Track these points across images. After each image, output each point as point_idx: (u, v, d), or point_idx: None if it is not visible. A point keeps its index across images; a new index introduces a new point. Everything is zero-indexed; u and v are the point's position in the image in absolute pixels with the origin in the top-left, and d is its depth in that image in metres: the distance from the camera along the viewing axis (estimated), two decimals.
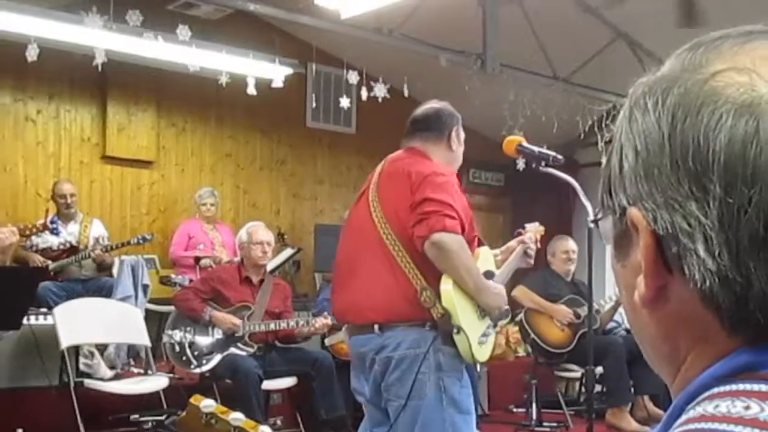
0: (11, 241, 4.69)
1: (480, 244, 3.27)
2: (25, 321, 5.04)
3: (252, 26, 7.48)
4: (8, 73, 7.13)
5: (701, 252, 0.57)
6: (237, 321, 5.49)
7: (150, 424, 5.23)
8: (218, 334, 5.53)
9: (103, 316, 5.57)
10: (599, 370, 6.28)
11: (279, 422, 5.99)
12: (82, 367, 5.45)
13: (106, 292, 6.39)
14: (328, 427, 5.50)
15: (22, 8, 5.63)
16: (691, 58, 0.62)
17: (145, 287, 6.41)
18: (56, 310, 5.22)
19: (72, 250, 6.51)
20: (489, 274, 3.18)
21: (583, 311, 6.35)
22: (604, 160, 0.69)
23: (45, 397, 5.18)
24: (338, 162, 8.77)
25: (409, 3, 5.89)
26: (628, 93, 0.67)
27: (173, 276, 6.66)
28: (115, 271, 6.64)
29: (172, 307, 5.86)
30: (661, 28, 7.05)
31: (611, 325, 6.74)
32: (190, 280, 6.45)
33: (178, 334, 5.50)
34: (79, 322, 5.28)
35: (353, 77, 6.69)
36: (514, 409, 7.14)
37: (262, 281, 5.74)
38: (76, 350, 5.38)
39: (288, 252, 7.88)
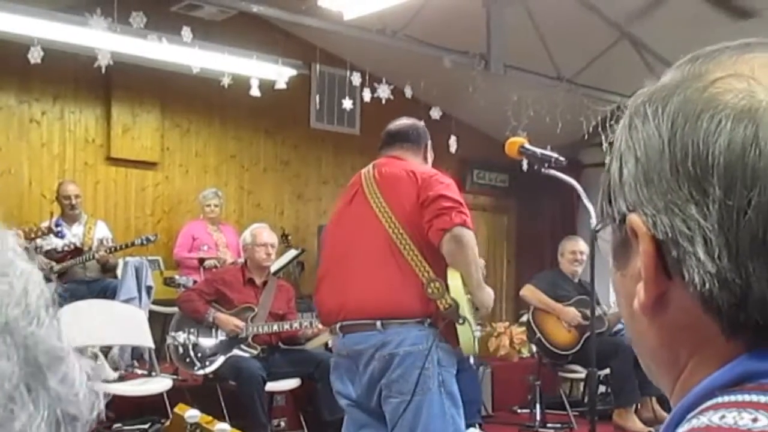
0: None
1: None
2: None
3: (255, 27, 7.48)
4: (13, 74, 7.14)
5: (701, 254, 0.58)
6: (240, 323, 5.50)
7: None
8: (222, 336, 5.53)
9: (106, 317, 5.57)
10: (605, 371, 6.28)
11: (282, 423, 6.00)
12: None
13: (110, 293, 6.40)
14: (332, 428, 5.50)
15: (26, 10, 5.64)
16: (690, 69, 0.63)
17: (149, 289, 6.43)
18: (60, 312, 5.20)
19: (76, 251, 6.52)
20: None
21: (601, 309, 6.37)
22: (605, 169, 0.69)
23: None
24: (342, 163, 8.76)
25: (413, 4, 5.88)
26: (629, 102, 0.68)
27: (177, 277, 6.67)
28: (119, 272, 6.65)
29: (175, 309, 5.87)
30: (666, 29, 7.05)
31: (618, 326, 6.74)
32: (194, 282, 6.45)
33: (181, 336, 5.51)
34: (82, 324, 5.28)
35: (356, 79, 6.69)
36: (519, 411, 7.13)
37: (265, 283, 5.75)
38: (80, 352, 5.37)
39: (292, 253, 7.89)
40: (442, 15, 6.33)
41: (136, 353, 6.38)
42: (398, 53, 6.71)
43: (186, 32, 5.67)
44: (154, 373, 5.58)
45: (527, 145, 3.34)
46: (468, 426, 4.53)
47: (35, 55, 5.41)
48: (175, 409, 1.47)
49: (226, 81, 6.32)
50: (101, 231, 6.87)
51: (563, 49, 7.14)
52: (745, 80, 0.59)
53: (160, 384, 5.27)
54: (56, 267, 6.44)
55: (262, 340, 5.57)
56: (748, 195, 0.56)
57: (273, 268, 6.25)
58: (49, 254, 6.46)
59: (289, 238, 8.31)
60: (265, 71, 6.70)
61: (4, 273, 0.51)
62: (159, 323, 6.67)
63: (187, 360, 5.49)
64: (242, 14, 6.18)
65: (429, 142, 3.54)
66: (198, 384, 5.71)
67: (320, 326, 5.51)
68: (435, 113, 7.15)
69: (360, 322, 3.14)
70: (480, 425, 6.17)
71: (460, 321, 3.07)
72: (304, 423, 5.99)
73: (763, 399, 0.56)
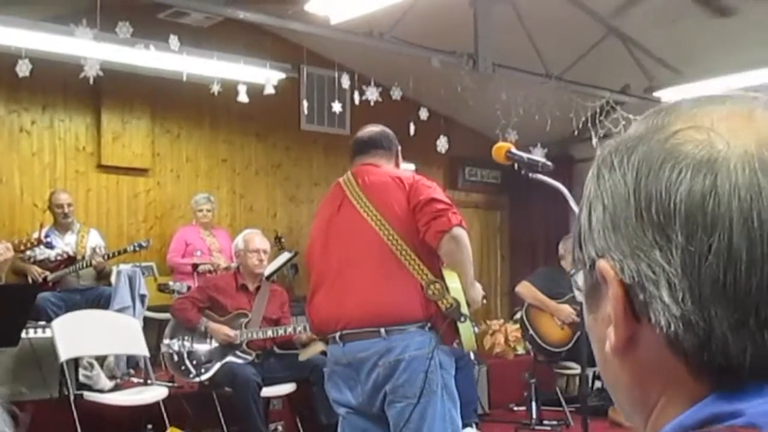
0: (5, 257, 4.71)
1: None
2: (24, 334, 5.06)
3: (243, 31, 7.48)
4: (1, 84, 7.13)
5: (666, 298, 0.60)
6: (231, 332, 5.51)
7: None
8: (216, 343, 5.54)
9: (101, 327, 5.58)
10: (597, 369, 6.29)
11: (280, 428, 6.00)
12: (81, 378, 5.46)
13: (104, 301, 6.41)
14: None
15: (12, 21, 5.63)
16: (653, 121, 0.65)
17: (143, 297, 6.43)
18: (54, 323, 5.23)
19: (69, 260, 6.53)
20: None
21: None
22: (575, 217, 0.71)
23: (45, 410, 5.19)
24: (334, 164, 8.74)
25: (400, 6, 5.88)
26: (597, 152, 0.69)
27: (171, 283, 6.67)
28: (112, 280, 6.65)
29: (170, 315, 5.88)
30: (653, 24, 7.07)
31: None
32: (188, 287, 6.45)
33: (176, 344, 5.52)
34: (77, 335, 5.29)
35: (345, 81, 6.69)
36: (515, 408, 7.15)
37: (258, 288, 5.75)
38: (75, 362, 5.39)
39: (285, 256, 7.90)
40: (429, 16, 6.33)
41: (132, 361, 6.39)
42: (386, 54, 6.72)
43: (173, 41, 5.66)
44: (150, 382, 5.59)
45: (514, 150, 3.34)
46: (465, 426, 4.56)
47: (23, 69, 5.39)
48: None
49: (215, 89, 6.31)
50: (94, 239, 6.88)
51: (551, 46, 7.15)
52: (705, 132, 0.61)
53: (156, 392, 5.27)
54: (50, 276, 6.44)
55: (256, 345, 5.58)
56: (708, 241, 0.58)
57: (266, 272, 6.24)
58: (43, 263, 6.47)
59: (283, 240, 8.32)
60: (253, 75, 6.70)
61: None
62: (154, 330, 6.68)
63: (182, 368, 5.50)
64: (229, 19, 6.17)
65: (399, 148, 3.59)
66: (194, 391, 5.72)
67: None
68: (424, 113, 7.16)
69: (362, 330, 3.18)
70: (477, 424, 6.20)
71: (462, 319, 3.16)
72: (300, 427, 6.00)
73: None
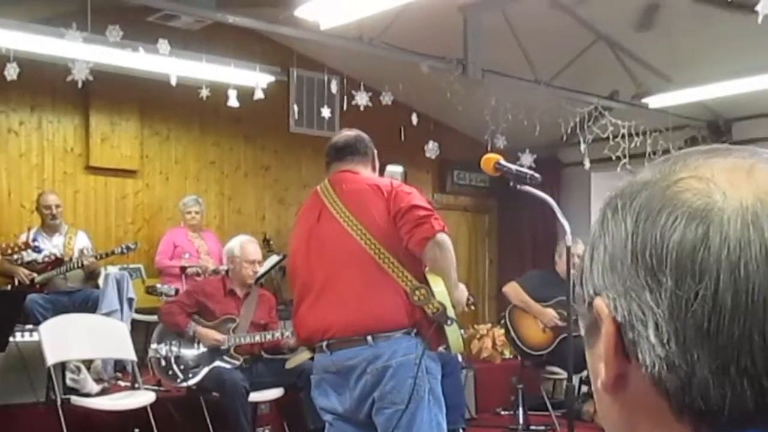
0: None
1: None
2: (11, 338, 5.05)
3: (233, 35, 7.47)
4: None
5: (652, 338, 0.62)
6: (220, 337, 5.50)
7: None
8: (204, 348, 5.54)
9: (88, 331, 5.57)
10: (584, 373, 6.31)
11: None
12: (68, 382, 5.44)
13: (92, 303, 6.40)
14: None
15: (1, 22, 5.60)
16: (661, 168, 0.67)
17: (131, 301, 6.42)
18: (42, 327, 5.21)
19: (57, 262, 6.52)
20: None
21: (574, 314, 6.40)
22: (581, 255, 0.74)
23: (32, 414, 5.18)
24: (323, 167, 8.65)
25: (390, 11, 5.88)
26: (606, 196, 0.71)
27: (159, 286, 6.65)
28: (100, 283, 6.64)
29: (157, 318, 5.87)
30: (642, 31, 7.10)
31: None
32: (177, 290, 6.44)
33: (163, 349, 5.51)
34: (64, 339, 5.28)
35: (335, 86, 6.70)
36: (502, 413, 7.17)
37: (248, 294, 5.75)
38: (62, 365, 5.38)
39: (274, 258, 7.89)
40: (419, 21, 6.34)
41: (119, 364, 6.38)
42: (376, 59, 6.73)
43: (162, 45, 5.65)
44: (137, 386, 5.58)
45: (503, 162, 3.38)
46: (452, 431, 4.58)
47: (11, 72, 5.37)
48: None
49: (204, 93, 6.31)
50: (82, 241, 6.87)
51: (540, 52, 7.17)
52: (705, 182, 0.63)
53: (143, 397, 5.27)
54: (37, 278, 6.43)
55: (244, 350, 5.58)
56: (696, 287, 0.60)
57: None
58: (30, 265, 6.45)
59: (271, 243, 8.31)
60: (243, 78, 6.69)
61: None
62: (142, 332, 6.67)
63: (170, 372, 5.50)
64: (219, 23, 6.17)
65: (375, 152, 3.57)
66: (181, 396, 5.71)
67: None
68: (414, 117, 7.17)
69: (349, 338, 3.20)
70: (464, 429, 6.22)
71: (449, 323, 3.17)
72: (288, 431, 6.01)
73: None
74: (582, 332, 0.73)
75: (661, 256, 0.62)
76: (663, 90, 7.64)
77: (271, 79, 6.89)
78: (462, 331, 3.35)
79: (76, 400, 5.16)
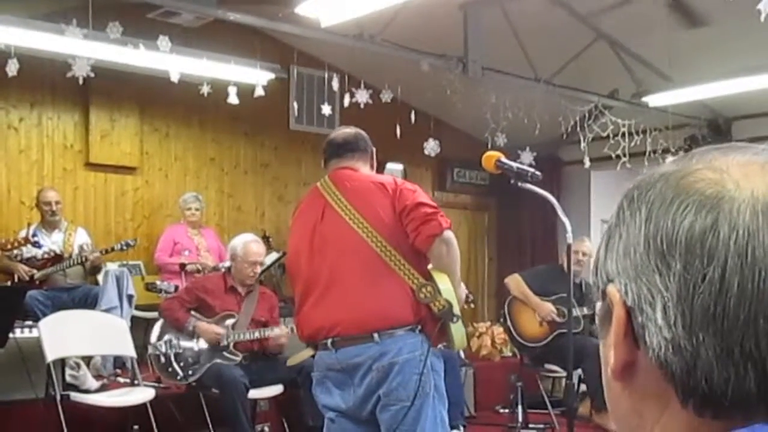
0: None
1: None
2: (10, 334, 5.05)
3: (233, 32, 7.46)
4: None
5: (659, 320, 0.64)
6: (220, 331, 5.50)
7: None
8: (203, 344, 5.54)
9: (88, 328, 5.57)
10: (578, 371, 6.33)
11: (266, 429, 6.01)
12: (68, 378, 5.45)
13: (91, 300, 6.40)
14: None
15: (1, 18, 5.59)
16: (679, 162, 0.70)
17: (130, 297, 6.42)
18: (41, 323, 5.21)
19: (57, 258, 6.51)
20: None
21: (577, 312, 6.41)
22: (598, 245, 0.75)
23: (32, 410, 5.19)
24: (322, 164, 8.74)
25: (390, 9, 5.88)
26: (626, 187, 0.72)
27: (159, 282, 6.66)
28: (100, 279, 6.64)
29: (157, 314, 5.87)
30: (642, 28, 7.09)
31: None
32: (176, 287, 6.44)
33: (163, 346, 5.51)
34: (64, 335, 5.28)
35: (335, 83, 6.70)
36: (501, 410, 7.18)
37: (249, 291, 5.74)
38: (62, 362, 5.38)
39: (273, 256, 7.88)
40: (419, 19, 6.34)
41: (119, 361, 6.38)
42: (376, 56, 6.73)
43: (162, 42, 5.64)
44: (136, 382, 5.58)
45: (504, 159, 3.37)
46: (452, 428, 4.58)
47: (12, 68, 5.37)
48: None
49: (205, 90, 6.30)
50: (81, 237, 6.86)
51: (540, 50, 7.17)
52: (719, 173, 0.65)
53: (143, 394, 5.27)
54: (37, 274, 6.42)
55: (244, 347, 5.58)
56: (703, 270, 0.62)
57: None
58: (30, 262, 6.45)
59: (270, 240, 8.31)
60: (243, 75, 6.69)
61: None
62: (141, 329, 6.67)
63: (170, 369, 5.50)
64: (219, 20, 6.17)
65: (374, 149, 3.57)
66: (181, 392, 5.72)
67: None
68: (413, 115, 7.17)
69: (355, 336, 3.20)
70: (464, 426, 6.23)
71: (454, 320, 3.19)
72: (287, 428, 6.02)
73: None
74: (597, 322, 0.75)
75: (671, 241, 0.64)
76: (663, 89, 7.63)
77: (272, 76, 6.89)
78: (465, 329, 3.37)
79: (75, 396, 5.17)
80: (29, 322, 5.52)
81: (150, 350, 5.59)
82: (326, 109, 6.98)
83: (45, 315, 5.60)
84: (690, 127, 8.75)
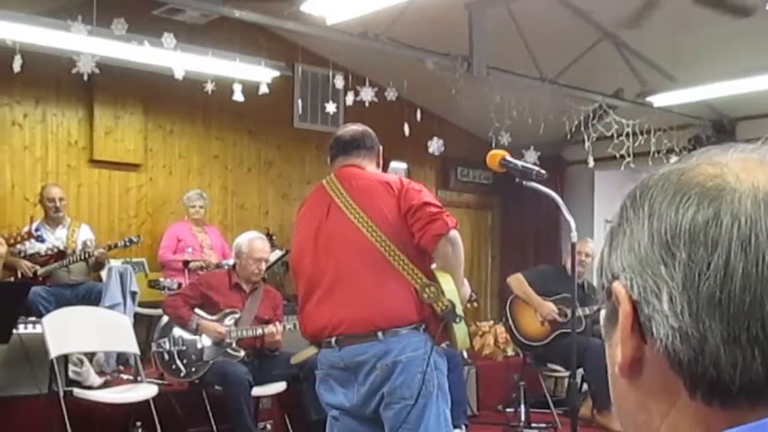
0: (0, 253, 4.70)
1: None
2: (14, 330, 5.05)
3: (238, 29, 7.47)
4: None
5: (666, 309, 0.65)
6: (223, 329, 5.50)
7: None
8: (207, 342, 5.54)
9: (91, 324, 5.57)
10: (580, 371, 6.33)
11: (269, 426, 6.02)
12: (71, 374, 5.45)
13: (94, 296, 6.40)
14: (319, 429, 5.51)
15: (6, 14, 5.60)
16: (681, 161, 0.71)
17: (134, 294, 6.43)
18: (45, 319, 5.22)
19: (60, 254, 6.51)
20: None
21: (579, 312, 6.41)
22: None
23: (35, 406, 5.19)
24: (327, 162, 8.69)
25: (395, 7, 5.88)
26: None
27: (162, 279, 6.67)
28: (103, 276, 6.65)
29: (161, 311, 5.87)
30: (647, 28, 7.09)
31: None
32: (179, 285, 6.45)
33: (167, 343, 5.51)
34: (67, 331, 5.29)
35: (339, 81, 6.70)
36: (504, 410, 7.17)
37: (254, 289, 5.74)
38: (65, 358, 5.39)
39: (277, 254, 7.89)
40: (424, 17, 6.34)
41: (122, 358, 6.39)
42: (381, 54, 6.73)
43: (167, 39, 5.65)
44: (139, 379, 5.58)
45: (509, 158, 3.37)
46: (454, 427, 4.58)
47: (16, 64, 5.37)
48: None
49: (209, 87, 6.30)
50: (84, 234, 6.87)
51: (545, 49, 7.17)
52: (719, 167, 0.67)
53: (146, 391, 5.27)
54: (40, 270, 6.43)
55: (247, 344, 5.58)
56: (708, 258, 0.63)
57: None
58: (33, 258, 6.45)
59: (274, 238, 8.30)
60: (248, 73, 6.70)
61: None
62: (144, 326, 6.69)
63: (173, 367, 5.50)
64: (224, 17, 6.18)
65: (380, 148, 3.56)
66: (184, 389, 5.72)
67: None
68: (418, 114, 7.16)
69: (359, 334, 3.20)
70: (466, 426, 6.23)
71: (457, 320, 3.18)
72: (290, 425, 6.02)
73: None
74: (603, 323, 0.75)
75: (675, 232, 0.65)
76: (667, 89, 7.63)
77: (276, 74, 6.89)
78: (468, 329, 3.37)
79: (78, 392, 5.17)
80: (32, 318, 5.52)
81: (153, 347, 5.59)
82: (330, 108, 6.98)
83: (48, 311, 5.61)
84: (694, 128, 8.75)
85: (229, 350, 5.52)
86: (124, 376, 6.11)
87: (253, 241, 5.72)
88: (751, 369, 0.62)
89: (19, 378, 5.25)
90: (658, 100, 7.75)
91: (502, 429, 6.55)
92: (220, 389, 5.41)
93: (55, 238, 6.66)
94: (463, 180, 10.29)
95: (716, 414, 0.64)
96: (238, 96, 6.38)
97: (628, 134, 7.93)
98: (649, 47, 7.44)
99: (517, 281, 6.69)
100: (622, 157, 7.91)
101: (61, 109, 7.66)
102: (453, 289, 3.20)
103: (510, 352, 7.71)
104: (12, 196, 7.41)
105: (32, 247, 6.41)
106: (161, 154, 8.23)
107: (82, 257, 6.49)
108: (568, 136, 8.34)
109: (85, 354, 5.66)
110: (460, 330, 3.21)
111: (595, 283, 7.62)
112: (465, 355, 6.84)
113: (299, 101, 8.25)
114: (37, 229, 6.40)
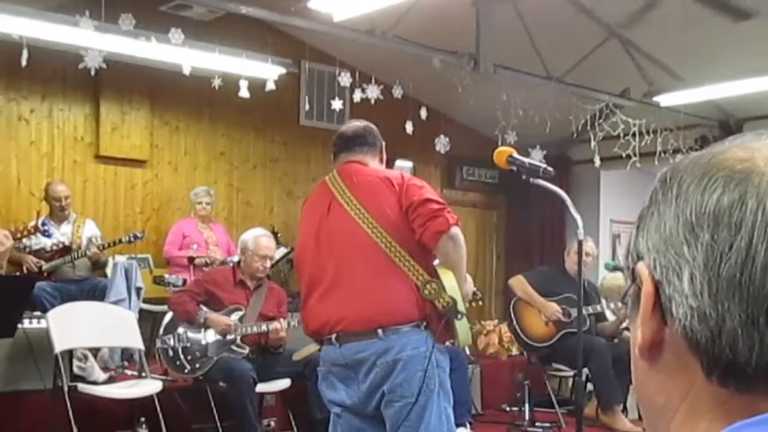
0: (6, 247, 4.69)
1: None
2: (19, 325, 5.05)
3: (245, 26, 7.46)
4: (1, 72, 7.11)
5: (686, 289, 0.65)
6: (231, 321, 5.50)
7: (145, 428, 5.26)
8: (211, 338, 5.54)
9: (96, 319, 5.58)
10: (584, 371, 6.31)
11: (273, 423, 6.02)
12: (75, 370, 5.45)
13: (99, 292, 6.40)
14: (322, 427, 5.52)
15: (13, 9, 5.61)
16: (715, 145, 0.71)
17: (139, 290, 6.43)
18: (50, 314, 5.22)
19: (65, 250, 6.52)
20: None
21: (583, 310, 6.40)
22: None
23: (39, 401, 5.20)
24: (331, 160, 8.72)
25: (402, 4, 5.88)
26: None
27: (167, 276, 6.67)
28: (108, 271, 6.65)
29: (165, 307, 5.87)
30: (654, 28, 7.07)
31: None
32: (184, 281, 6.45)
33: (171, 339, 5.51)
34: (72, 327, 5.29)
35: (345, 79, 6.69)
36: (508, 409, 7.17)
37: (259, 286, 5.74)
38: (69, 353, 5.39)
39: (282, 251, 7.89)
40: (431, 15, 6.34)
41: (126, 353, 6.39)
42: (388, 52, 6.72)
43: (174, 35, 5.65)
44: (144, 375, 5.58)
45: (516, 155, 3.36)
46: (458, 425, 4.58)
47: (23, 60, 5.38)
48: None
49: (216, 83, 6.30)
50: (90, 229, 6.87)
51: (552, 48, 7.15)
52: (750, 151, 0.67)
53: (150, 386, 5.27)
54: (45, 266, 6.43)
55: (251, 341, 5.58)
56: (731, 239, 0.63)
57: None
58: (38, 253, 6.46)
59: (279, 235, 8.30)
60: (254, 69, 6.70)
61: None
62: (149, 322, 6.69)
63: (178, 363, 5.50)
64: (231, 13, 6.18)
65: (383, 144, 3.54)
66: (188, 385, 5.72)
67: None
68: (424, 112, 7.15)
69: (359, 331, 3.19)
70: (470, 424, 6.22)
71: (459, 317, 3.17)
72: (293, 422, 6.02)
73: None
74: (627, 305, 0.75)
75: (699, 213, 0.65)
76: (674, 89, 7.61)
77: (283, 71, 6.89)
78: (470, 325, 3.35)
79: (82, 387, 5.17)
80: (37, 313, 5.52)
81: (158, 343, 5.59)
82: (337, 105, 6.98)
83: (53, 306, 5.61)
84: (701, 128, 8.72)
85: (233, 347, 5.52)
86: (129, 372, 6.11)
87: (258, 238, 5.72)
88: (767, 352, 0.62)
89: (24, 373, 5.25)
90: (665, 99, 7.73)
91: (506, 428, 6.54)
92: (225, 386, 5.42)
93: (61, 234, 6.66)
94: (469, 179, 10.28)
95: (732, 397, 0.64)
96: (244, 93, 6.38)
97: (634, 134, 7.92)
98: (656, 47, 7.42)
99: (519, 282, 6.67)
100: (629, 156, 7.90)
101: (67, 105, 7.66)
102: (454, 285, 3.19)
103: (514, 351, 7.70)
104: (18, 191, 7.42)
105: (38, 242, 6.41)
106: (167, 151, 8.23)
107: (85, 254, 6.50)
108: (575, 135, 8.31)
109: (90, 349, 5.66)
110: (461, 326, 3.21)
111: (598, 281, 7.61)
112: (468, 353, 6.83)
113: (305, 98, 8.25)
114: (44, 224, 6.40)
